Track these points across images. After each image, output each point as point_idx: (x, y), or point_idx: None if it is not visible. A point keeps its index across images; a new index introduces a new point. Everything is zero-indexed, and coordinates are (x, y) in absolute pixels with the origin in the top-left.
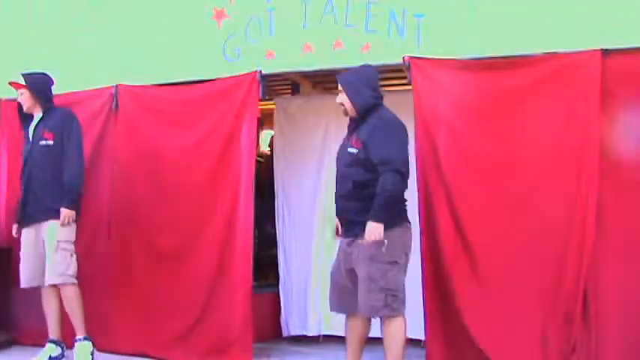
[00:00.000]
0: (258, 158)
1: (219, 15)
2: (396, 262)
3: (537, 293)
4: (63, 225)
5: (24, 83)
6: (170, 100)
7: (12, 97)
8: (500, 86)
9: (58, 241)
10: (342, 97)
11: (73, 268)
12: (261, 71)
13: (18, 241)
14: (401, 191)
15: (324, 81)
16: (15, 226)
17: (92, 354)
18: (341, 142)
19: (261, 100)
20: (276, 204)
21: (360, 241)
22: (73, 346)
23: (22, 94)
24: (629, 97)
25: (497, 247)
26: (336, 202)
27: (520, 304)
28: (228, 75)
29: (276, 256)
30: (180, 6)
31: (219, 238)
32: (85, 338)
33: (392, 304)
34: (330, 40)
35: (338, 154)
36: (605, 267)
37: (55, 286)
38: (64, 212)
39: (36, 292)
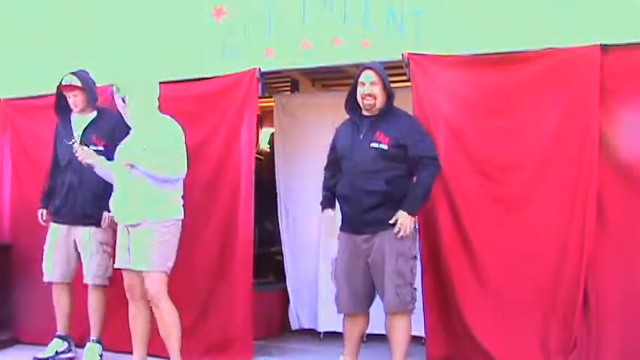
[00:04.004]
0: (258, 156)
1: (218, 12)
2: (416, 256)
3: (537, 291)
4: (103, 227)
5: (78, 84)
6: (169, 98)
7: (12, 96)
8: (499, 82)
9: (100, 243)
10: (375, 89)
11: (110, 270)
12: (260, 68)
13: (23, 237)
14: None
15: (323, 78)
16: (43, 211)
17: (100, 356)
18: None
19: (260, 98)
20: (278, 201)
21: (397, 233)
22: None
23: (75, 95)
24: (628, 92)
25: (497, 245)
26: (350, 197)
27: (520, 302)
28: (227, 73)
29: (276, 254)
30: (179, 4)
31: (220, 235)
32: (96, 340)
33: (414, 297)
34: (328, 37)
35: (347, 147)
36: (605, 264)
37: (70, 283)
38: (107, 215)
39: (37, 289)
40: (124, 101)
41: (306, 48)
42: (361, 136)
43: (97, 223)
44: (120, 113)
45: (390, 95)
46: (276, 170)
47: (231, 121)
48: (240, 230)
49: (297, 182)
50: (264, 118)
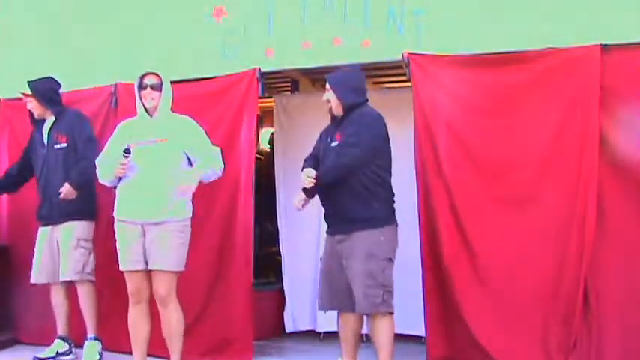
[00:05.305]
0: (258, 156)
1: (218, 13)
2: (390, 258)
3: (538, 291)
4: (62, 196)
5: (29, 92)
6: None
7: (12, 97)
8: (499, 82)
9: (78, 239)
10: (329, 95)
11: (91, 266)
12: (260, 68)
13: (22, 238)
14: (354, 166)
15: (323, 78)
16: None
17: (100, 354)
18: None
19: (260, 98)
20: (277, 201)
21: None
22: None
23: (30, 102)
24: (628, 92)
25: (497, 245)
26: (324, 199)
27: (520, 302)
28: (227, 73)
29: (276, 254)
30: (179, 4)
31: (220, 235)
32: (94, 338)
33: (388, 299)
34: (329, 37)
35: (321, 150)
36: (605, 264)
37: (65, 283)
38: (66, 187)
39: (37, 290)
40: (141, 87)
41: (306, 48)
42: (329, 139)
43: (76, 218)
44: (76, 111)
45: (346, 102)
46: (276, 170)
47: (231, 121)
48: (240, 230)
49: (296, 182)
50: (264, 118)
